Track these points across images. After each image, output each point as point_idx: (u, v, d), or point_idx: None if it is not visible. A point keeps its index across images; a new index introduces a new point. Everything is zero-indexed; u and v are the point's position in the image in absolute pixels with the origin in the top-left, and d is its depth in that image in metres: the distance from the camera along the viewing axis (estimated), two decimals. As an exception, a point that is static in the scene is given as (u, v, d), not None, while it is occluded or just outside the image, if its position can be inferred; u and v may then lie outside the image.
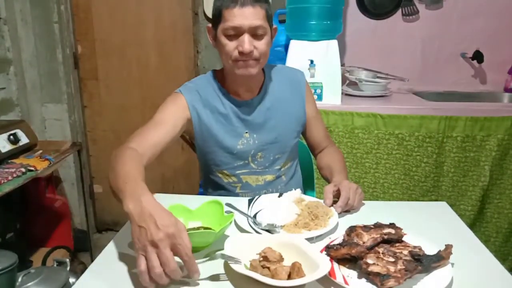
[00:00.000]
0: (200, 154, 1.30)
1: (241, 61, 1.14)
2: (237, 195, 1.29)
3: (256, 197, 1.14)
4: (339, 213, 1.05)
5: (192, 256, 0.74)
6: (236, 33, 1.12)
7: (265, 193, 1.22)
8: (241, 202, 1.10)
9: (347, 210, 1.09)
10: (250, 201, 1.11)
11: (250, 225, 0.99)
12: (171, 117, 1.18)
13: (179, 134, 1.21)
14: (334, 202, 1.09)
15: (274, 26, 1.20)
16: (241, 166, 1.27)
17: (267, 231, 0.97)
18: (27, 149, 1.91)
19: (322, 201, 1.09)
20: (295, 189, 1.14)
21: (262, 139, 1.27)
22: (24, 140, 1.89)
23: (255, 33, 1.12)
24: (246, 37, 1.11)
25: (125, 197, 0.82)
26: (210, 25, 1.20)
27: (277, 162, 1.31)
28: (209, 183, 1.35)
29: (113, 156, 1.00)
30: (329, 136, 1.45)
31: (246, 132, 1.26)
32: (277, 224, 0.98)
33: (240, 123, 1.25)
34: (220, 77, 1.28)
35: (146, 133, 1.12)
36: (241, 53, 1.12)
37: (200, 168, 1.38)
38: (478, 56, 2.42)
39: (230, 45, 1.13)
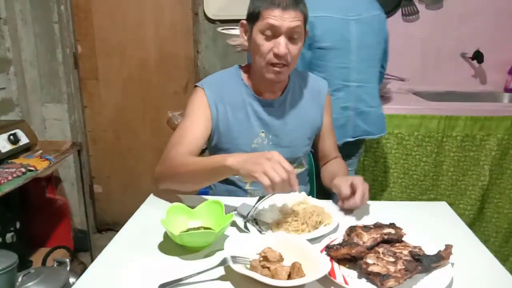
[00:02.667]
0: (212, 150, 1.30)
1: (274, 67, 1.14)
2: (246, 191, 1.28)
3: (266, 196, 1.13)
4: (355, 208, 1.08)
5: (293, 170, 0.90)
6: (273, 34, 1.11)
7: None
8: (247, 202, 1.10)
9: (349, 210, 1.10)
10: (259, 199, 1.11)
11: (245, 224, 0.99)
12: (201, 119, 1.21)
13: (210, 132, 1.24)
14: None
15: (307, 29, 1.20)
16: None
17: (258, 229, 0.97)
18: (27, 149, 1.91)
19: (326, 206, 1.07)
20: (299, 192, 1.13)
21: (277, 141, 1.27)
22: (24, 140, 1.89)
23: (291, 36, 1.12)
24: (282, 39, 1.11)
25: (223, 159, 0.97)
26: (244, 21, 1.18)
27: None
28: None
29: (165, 167, 1.13)
30: (337, 149, 1.45)
31: (262, 132, 1.26)
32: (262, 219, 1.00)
33: (258, 122, 1.25)
34: (245, 73, 1.27)
35: (185, 137, 1.17)
36: (276, 55, 1.12)
37: None
38: (478, 56, 2.42)
39: (266, 45, 1.12)
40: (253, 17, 1.14)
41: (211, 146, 1.28)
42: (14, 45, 2.31)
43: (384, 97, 2.27)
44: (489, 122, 1.97)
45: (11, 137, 1.81)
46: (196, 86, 1.26)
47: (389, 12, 2.46)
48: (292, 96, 1.29)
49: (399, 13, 2.47)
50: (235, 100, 1.24)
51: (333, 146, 1.41)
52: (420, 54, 2.52)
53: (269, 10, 1.09)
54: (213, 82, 1.26)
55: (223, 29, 1.94)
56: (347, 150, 1.73)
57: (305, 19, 1.14)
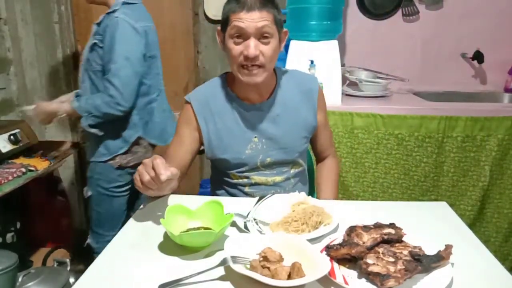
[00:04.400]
0: (210, 158, 1.30)
1: (246, 69, 1.13)
2: (245, 193, 1.29)
3: (266, 196, 1.13)
4: None
5: (159, 163, 0.93)
6: (242, 37, 1.11)
7: (273, 193, 1.20)
8: (247, 202, 1.10)
9: (349, 210, 1.10)
10: (259, 200, 1.11)
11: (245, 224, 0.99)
12: (187, 135, 1.25)
13: (199, 145, 1.28)
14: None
15: (285, 29, 1.19)
16: (250, 170, 1.27)
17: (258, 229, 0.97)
18: (27, 149, 1.91)
19: (326, 206, 1.07)
20: (299, 192, 1.13)
21: (271, 145, 1.26)
22: (24, 140, 1.89)
23: (261, 37, 1.11)
24: (251, 41, 1.10)
25: None
26: (219, 28, 1.19)
27: (286, 165, 1.30)
28: (218, 182, 1.35)
29: None
30: (333, 145, 1.46)
31: (255, 137, 1.25)
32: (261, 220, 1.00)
33: (249, 127, 1.25)
34: (230, 80, 1.27)
35: (172, 153, 1.26)
36: (246, 57, 1.11)
37: (211, 166, 1.39)
38: (478, 56, 2.42)
39: (236, 49, 1.12)
40: (223, 23, 1.15)
41: (208, 154, 1.28)
42: (14, 45, 2.31)
43: (384, 97, 2.28)
44: (489, 122, 1.97)
45: (12, 137, 1.82)
46: (185, 99, 1.27)
47: (389, 12, 2.47)
48: (281, 97, 1.27)
49: (399, 13, 2.47)
50: (223, 109, 1.24)
51: (328, 142, 1.41)
52: (420, 54, 2.52)
53: (235, 13, 1.10)
54: (200, 95, 1.27)
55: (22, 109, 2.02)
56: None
57: (276, 19, 1.13)
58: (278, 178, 1.29)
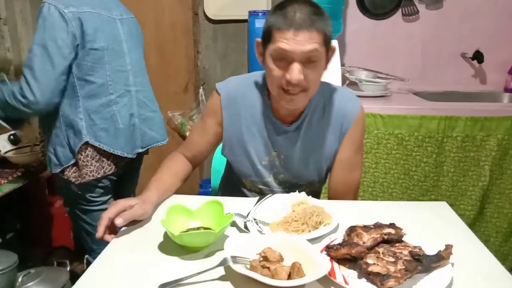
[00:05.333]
0: (228, 158, 1.25)
1: (287, 93, 1.03)
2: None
3: (266, 196, 1.13)
4: None
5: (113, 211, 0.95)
6: (285, 60, 0.99)
7: (273, 193, 1.17)
8: (247, 202, 1.10)
9: (349, 210, 1.10)
10: (259, 200, 1.11)
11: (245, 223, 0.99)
12: (211, 126, 1.22)
13: (220, 140, 1.24)
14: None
15: (333, 46, 1.06)
16: (262, 182, 1.23)
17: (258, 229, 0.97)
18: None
19: (326, 206, 1.07)
20: (299, 192, 1.13)
21: (287, 165, 1.20)
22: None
23: (307, 61, 0.99)
24: (295, 66, 0.98)
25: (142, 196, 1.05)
26: (259, 39, 1.07)
27: (300, 187, 1.22)
28: (229, 183, 1.32)
29: (166, 159, 1.23)
30: (353, 194, 1.22)
31: (275, 151, 1.19)
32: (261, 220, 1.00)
33: (272, 141, 1.18)
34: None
35: (194, 139, 1.25)
36: (288, 82, 1.00)
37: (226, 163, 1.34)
38: (478, 56, 2.42)
39: (277, 71, 1.01)
40: (265, 37, 1.03)
41: (224, 152, 1.24)
42: (14, 45, 2.31)
43: (384, 97, 2.28)
44: (489, 122, 1.97)
45: (12, 137, 1.82)
46: (216, 88, 1.20)
47: (389, 12, 2.47)
48: (309, 121, 1.16)
49: (399, 13, 2.47)
50: (252, 115, 1.17)
51: (341, 187, 1.19)
52: (420, 54, 2.52)
53: (280, 31, 0.97)
54: (232, 90, 1.18)
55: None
56: (133, 163, 1.69)
57: (326, 38, 1.00)
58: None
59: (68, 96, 1.46)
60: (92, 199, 1.59)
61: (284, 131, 1.17)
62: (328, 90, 1.18)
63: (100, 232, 0.92)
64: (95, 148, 1.50)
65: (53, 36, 1.37)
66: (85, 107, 1.47)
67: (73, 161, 1.49)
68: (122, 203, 0.97)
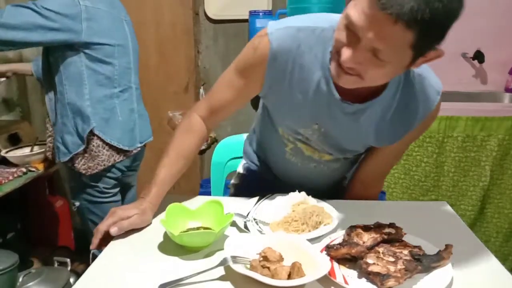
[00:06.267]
0: (264, 103, 1.10)
1: (339, 68, 0.81)
2: (284, 152, 1.14)
3: (266, 196, 1.13)
4: None
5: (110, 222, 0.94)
6: (350, 32, 0.76)
7: (273, 193, 1.13)
8: (247, 202, 1.10)
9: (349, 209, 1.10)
10: (259, 200, 1.11)
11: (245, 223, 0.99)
12: (245, 81, 0.98)
13: (252, 96, 1.04)
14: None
15: (437, 51, 0.86)
16: (301, 139, 1.08)
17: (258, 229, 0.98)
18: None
19: (326, 206, 1.06)
20: (299, 191, 1.13)
21: (327, 140, 1.05)
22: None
23: (375, 52, 0.75)
24: (359, 47, 0.75)
25: (146, 192, 1.03)
26: None
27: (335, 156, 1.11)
28: (260, 127, 1.20)
29: (181, 120, 1.09)
30: (378, 183, 1.18)
31: (316, 124, 1.01)
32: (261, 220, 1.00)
33: (316, 113, 0.98)
34: None
35: (217, 95, 1.03)
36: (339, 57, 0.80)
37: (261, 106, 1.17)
38: (479, 56, 2.42)
39: (340, 37, 0.78)
40: None
41: (261, 97, 1.05)
42: (15, 45, 2.31)
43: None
44: (490, 122, 1.97)
45: (12, 137, 1.82)
46: (267, 30, 0.93)
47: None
48: (375, 111, 0.96)
49: (399, 13, 2.47)
50: (308, 75, 0.93)
51: (372, 175, 1.14)
52: (420, 54, 2.52)
53: (369, 3, 0.71)
54: (289, 39, 0.91)
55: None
56: (133, 160, 1.71)
57: (417, 42, 0.77)
58: (327, 157, 1.11)
59: (75, 84, 1.51)
60: (104, 190, 1.63)
61: (340, 108, 0.95)
62: (413, 75, 0.94)
63: (94, 244, 0.93)
64: (95, 136, 1.54)
65: (51, 4, 1.37)
66: (91, 95, 1.52)
67: (81, 148, 1.52)
68: (120, 213, 0.95)
